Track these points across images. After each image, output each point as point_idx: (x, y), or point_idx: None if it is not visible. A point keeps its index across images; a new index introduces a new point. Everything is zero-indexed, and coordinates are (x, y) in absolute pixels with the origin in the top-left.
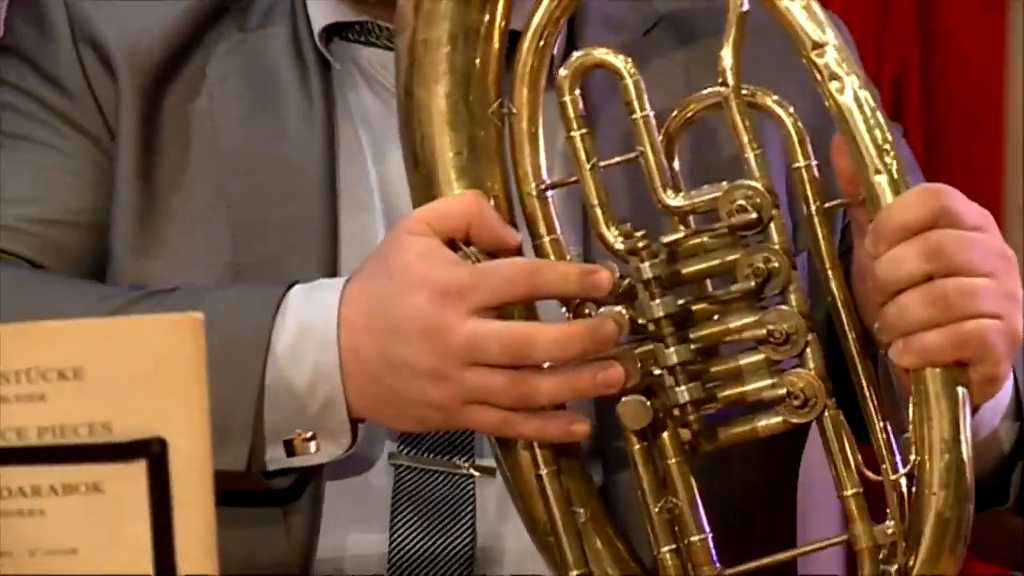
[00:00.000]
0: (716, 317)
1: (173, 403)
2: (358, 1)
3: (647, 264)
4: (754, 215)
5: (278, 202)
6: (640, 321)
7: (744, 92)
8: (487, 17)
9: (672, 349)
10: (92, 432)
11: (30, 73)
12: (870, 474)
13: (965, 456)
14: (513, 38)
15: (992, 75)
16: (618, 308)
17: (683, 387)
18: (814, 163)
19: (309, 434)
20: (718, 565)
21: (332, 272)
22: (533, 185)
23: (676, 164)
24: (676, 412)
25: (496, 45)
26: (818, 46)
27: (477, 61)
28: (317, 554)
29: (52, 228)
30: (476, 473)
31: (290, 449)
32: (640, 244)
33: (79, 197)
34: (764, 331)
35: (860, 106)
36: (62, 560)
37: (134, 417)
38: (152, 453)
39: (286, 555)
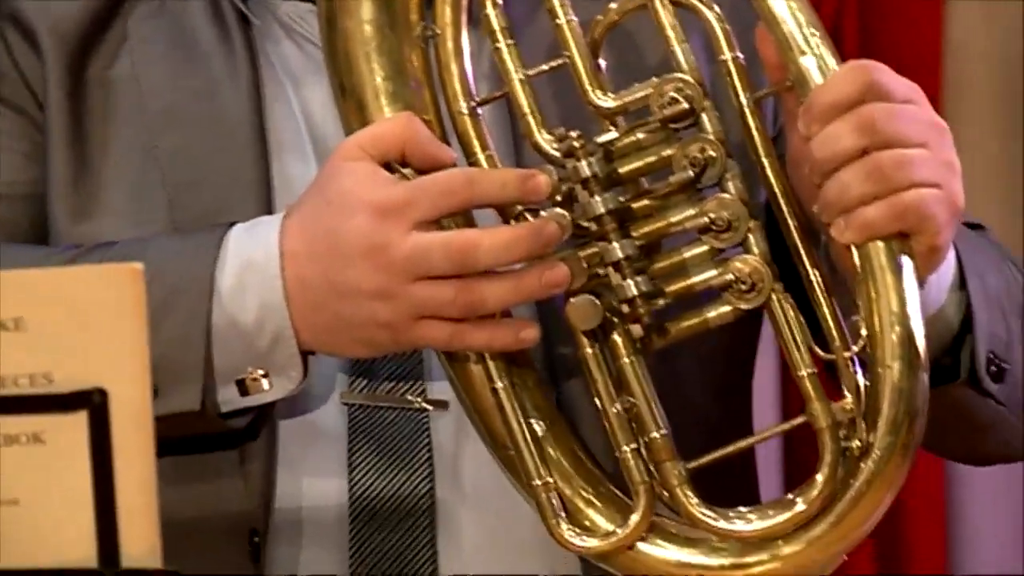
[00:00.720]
0: (657, 212)
1: (114, 354)
2: None
3: (584, 163)
4: (686, 106)
5: (210, 158)
6: (581, 223)
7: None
8: None
9: (616, 245)
10: (33, 383)
11: None
12: (822, 353)
13: (915, 327)
14: None
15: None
16: (559, 210)
17: (630, 281)
18: (740, 55)
19: (261, 372)
20: (680, 460)
21: None
22: (463, 103)
23: (603, 67)
24: (625, 308)
25: None
26: None
27: None
28: (276, 502)
29: None
30: (429, 407)
31: (243, 388)
32: (576, 144)
33: (13, 170)
34: (705, 220)
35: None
36: (3, 511)
37: (75, 368)
38: (93, 404)
39: (246, 504)
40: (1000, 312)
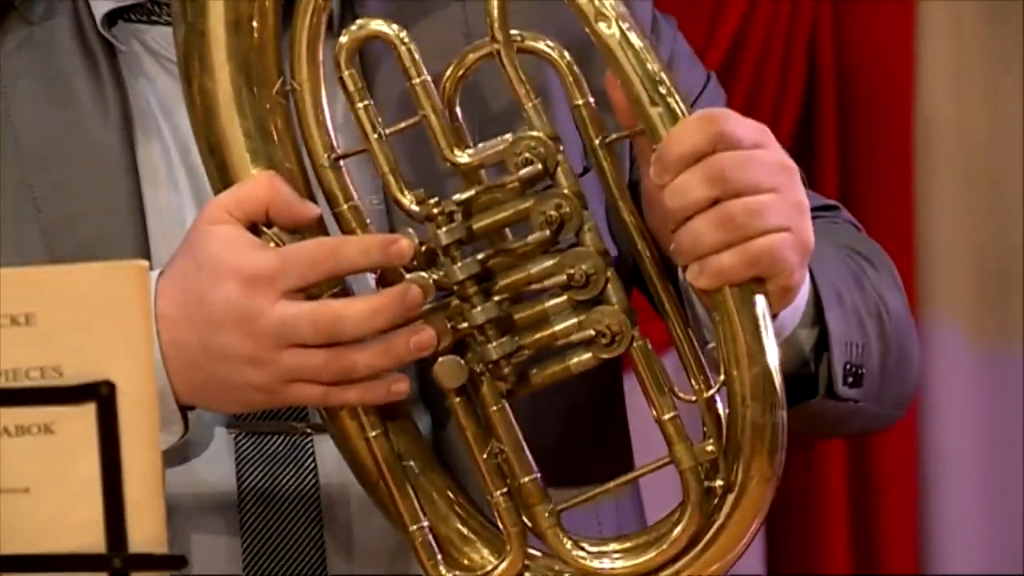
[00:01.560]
0: (517, 266)
1: (121, 347)
2: None
3: (443, 230)
4: (540, 165)
5: (84, 192)
6: (445, 282)
7: (515, 37)
8: (258, 1)
9: (479, 308)
10: (43, 375)
11: None
12: (682, 396)
13: (772, 365)
14: (288, 16)
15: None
16: (422, 273)
17: (493, 343)
18: (591, 100)
19: None
20: (551, 502)
21: (145, 253)
22: (325, 157)
23: (460, 119)
24: (488, 367)
25: (271, 26)
26: None
27: (255, 44)
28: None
29: None
30: (310, 432)
31: None
32: (435, 210)
33: None
34: (564, 276)
35: (628, 42)
36: (14, 499)
37: (83, 361)
38: (101, 395)
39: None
40: (857, 320)
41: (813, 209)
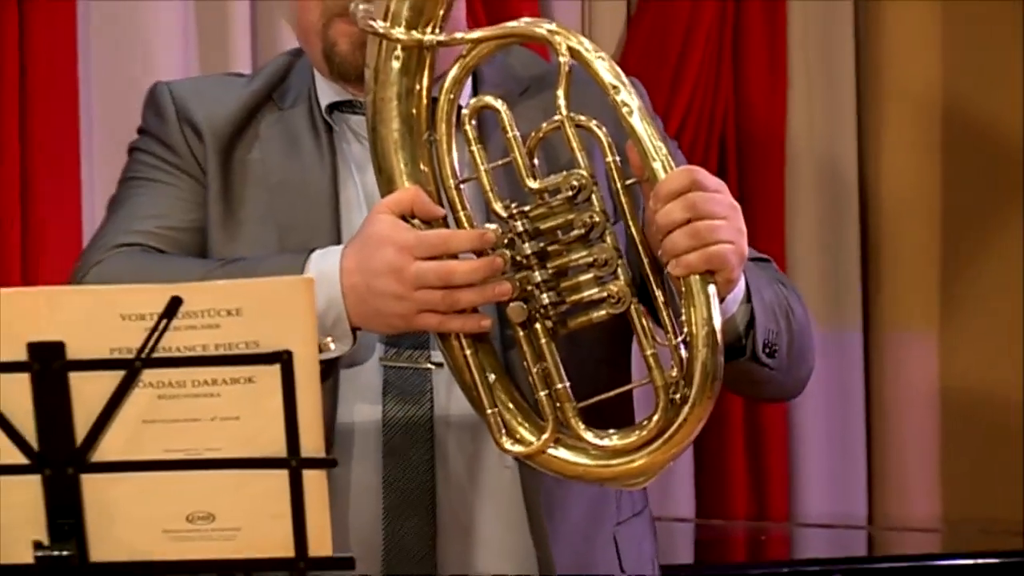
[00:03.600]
0: (563, 253)
1: (295, 330)
2: (346, 83)
3: (518, 223)
4: (580, 189)
5: (305, 212)
6: (517, 258)
7: (574, 118)
8: (418, 84)
9: (536, 273)
10: (248, 347)
11: (154, 142)
12: (659, 341)
13: (716, 327)
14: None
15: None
16: (503, 250)
17: (544, 295)
18: (618, 158)
19: (329, 339)
20: (575, 402)
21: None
22: (451, 182)
23: (536, 163)
24: (541, 311)
25: (424, 99)
26: (615, 87)
27: (414, 109)
28: (337, 419)
29: (173, 231)
30: (431, 366)
31: (319, 349)
32: (515, 212)
33: (187, 212)
34: (592, 259)
35: (644, 124)
36: (229, 423)
37: (272, 338)
38: (283, 359)
39: None
40: (773, 314)
41: (753, 259)
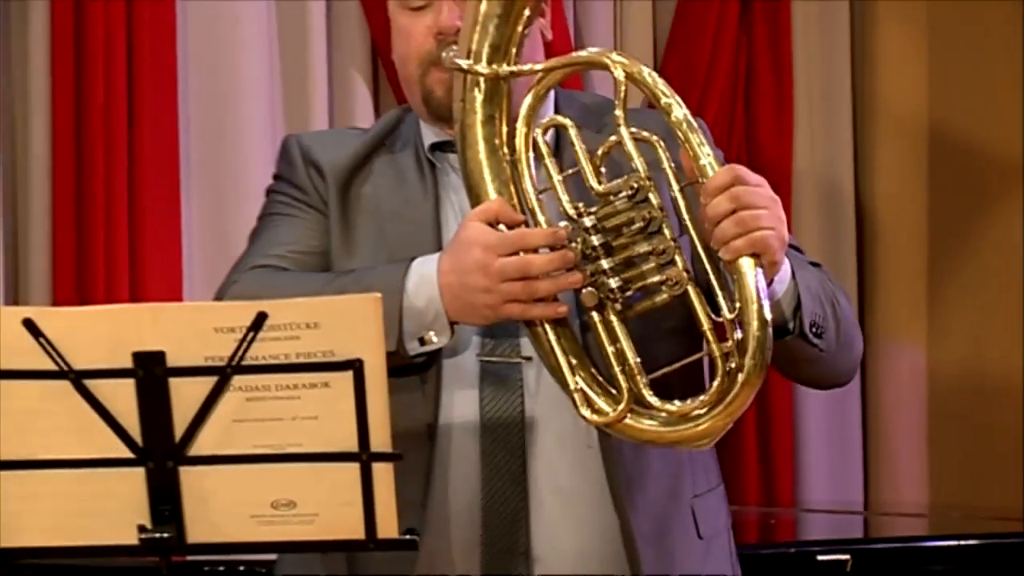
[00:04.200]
0: (628, 246)
1: (365, 341)
2: (444, 125)
3: (587, 219)
4: (639, 189)
5: (411, 233)
6: (587, 252)
7: (634, 132)
8: (498, 111)
9: (604, 262)
10: (324, 356)
11: (286, 184)
12: (715, 317)
13: (765, 305)
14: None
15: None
16: (574, 244)
17: (611, 280)
18: (673, 164)
19: (432, 332)
20: (645, 376)
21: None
22: (530, 192)
23: (603, 171)
24: (610, 296)
25: (504, 123)
26: (667, 103)
27: (496, 134)
28: (441, 404)
29: (301, 255)
30: (521, 360)
31: (422, 342)
32: (584, 212)
33: (312, 239)
34: (651, 249)
35: (694, 132)
36: (308, 423)
37: (346, 348)
38: (355, 366)
39: (424, 409)
40: (819, 301)
41: (809, 262)
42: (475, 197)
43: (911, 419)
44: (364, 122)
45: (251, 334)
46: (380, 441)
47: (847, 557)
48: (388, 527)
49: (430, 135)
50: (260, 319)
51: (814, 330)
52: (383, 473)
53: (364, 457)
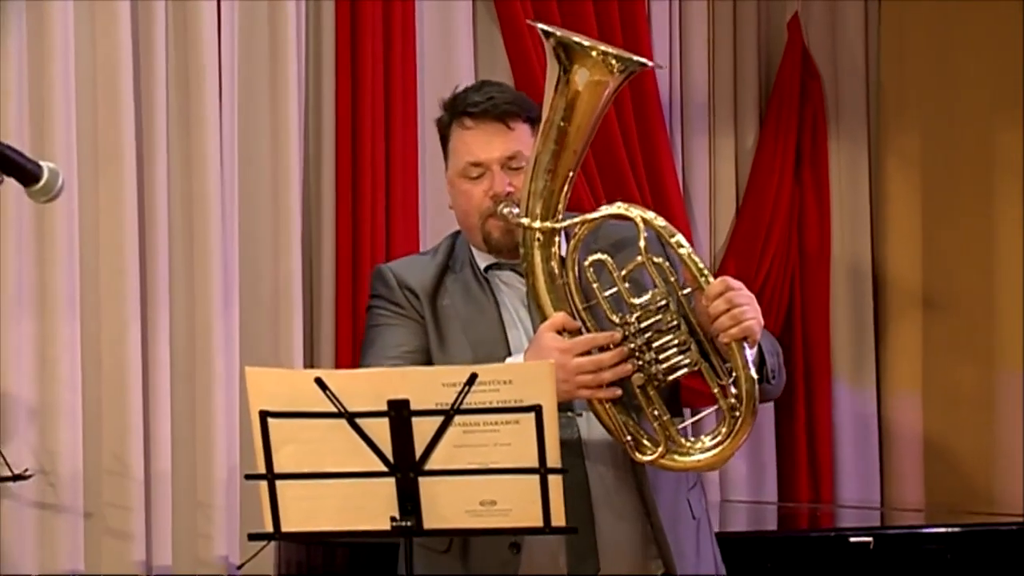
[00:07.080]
0: (658, 339)
1: (543, 392)
2: (499, 254)
3: (630, 325)
4: (661, 301)
5: (484, 337)
6: (634, 346)
7: (651, 258)
8: (552, 249)
9: (647, 353)
10: (515, 402)
11: (386, 302)
12: (719, 382)
13: (752, 372)
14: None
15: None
16: (624, 344)
17: (654, 367)
18: (680, 277)
19: None
20: (677, 425)
21: (507, 357)
22: (580, 305)
23: (627, 285)
24: (651, 374)
25: (557, 259)
26: (672, 235)
27: (551, 266)
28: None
29: (411, 353)
30: (572, 414)
31: None
32: (627, 320)
33: (415, 341)
34: (676, 340)
35: (692, 255)
36: (504, 449)
37: (530, 397)
38: (537, 410)
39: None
40: (774, 356)
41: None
42: (541, 312)
43: (911, 443)
44: None
45: (467, 388)
46: (553, 460)
47: (870, 539)
48: (558, 519)
49: (482, 259)
50: (472, 377)
51: (771, 376)
52: (555, 482)
53: (543, 471)
